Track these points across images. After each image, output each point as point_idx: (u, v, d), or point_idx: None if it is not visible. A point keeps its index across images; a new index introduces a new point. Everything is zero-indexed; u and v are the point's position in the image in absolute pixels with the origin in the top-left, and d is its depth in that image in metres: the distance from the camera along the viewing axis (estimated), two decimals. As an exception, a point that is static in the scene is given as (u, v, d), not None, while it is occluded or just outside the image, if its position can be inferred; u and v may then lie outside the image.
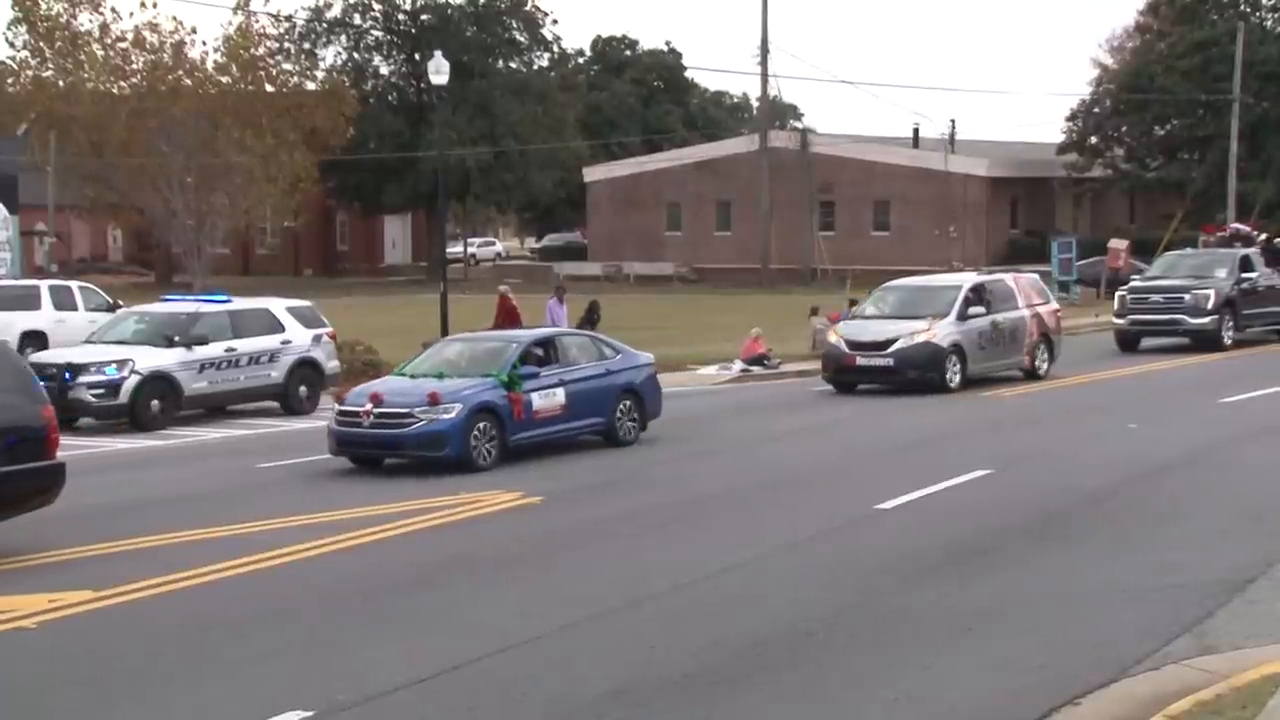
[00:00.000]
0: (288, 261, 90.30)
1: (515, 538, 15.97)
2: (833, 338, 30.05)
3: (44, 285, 37.42)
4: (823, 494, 18.46)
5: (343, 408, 20.94)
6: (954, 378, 28.99)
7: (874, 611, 12.42)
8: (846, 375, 29.54)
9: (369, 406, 20.46)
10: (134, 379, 25.93)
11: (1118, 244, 55.22)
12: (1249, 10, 75.19)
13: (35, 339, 33.85)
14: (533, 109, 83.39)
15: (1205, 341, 36.54)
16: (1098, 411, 25.95)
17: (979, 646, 11.39)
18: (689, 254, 79.92)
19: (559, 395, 21.71)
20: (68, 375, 25.70)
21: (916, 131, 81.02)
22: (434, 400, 20.22)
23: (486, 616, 12.54)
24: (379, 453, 20.75)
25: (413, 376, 21.73)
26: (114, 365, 25.97)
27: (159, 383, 26.24)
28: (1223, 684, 10.02)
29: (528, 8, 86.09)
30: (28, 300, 35.61)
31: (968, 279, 31.41)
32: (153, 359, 26.32)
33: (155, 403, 26.13)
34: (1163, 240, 60.48)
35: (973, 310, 29.75)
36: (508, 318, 35.14)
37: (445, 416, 20.13)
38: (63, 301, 35.88)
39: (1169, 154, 76.05)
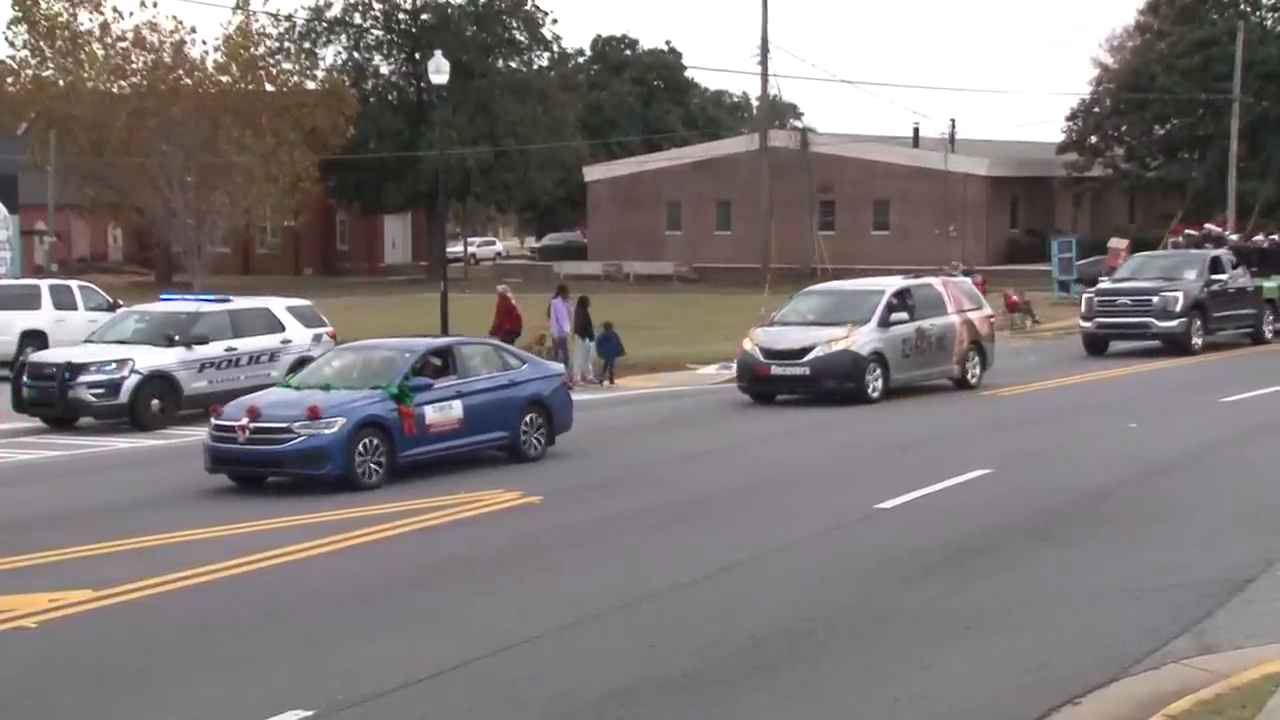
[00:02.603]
0: (288, 261, 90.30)
1: (514, 537, 15.97)
2: (748, 345, 28.60)
3: (44, 285, 37.45)
4: (822, 494, 18.47)
5: (218, 422, 19.57)
6: (875, 388, 27.61)
7: (874, 611, 12.42)
8: (761, 385, 28.17)
9: (245, 421, 19.13)
10: (134, 378, 25.93)
11: (1118, 243, 55.19)
12: (1249, 10, 75.14)
13: (35, 338, 33.89)
14: (533, 108, 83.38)
15: (1174, 345, 35.68)
16: (1097, 411, 25.96)
17: (979, 646, 11.39)
18: (689, 253, 79.90)
19: (456, 408, 20.42)
20: (68, 375, 25.71)
21: (916, 131, 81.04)
22: (314, 414, 18.95)
23: (486, 616, 12.54)
24: (256, 470, 19.46)
25: (298, 388, 20.45)
26: (114, 365, 25.95)
27: (159, 382, 26.23)
28: (1222, 683, 10.02)
29: (528, 7, 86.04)
30: (28, 300, 35.64)
31: (891, 284, 29.69)
32: (153, 358, 26.31)
33: (155, 402, 26.11)
34: (1163, 239, 60.46)
35: (895, 316, 28.30)
36: (507, 317, 35.15)
37: (326, 432, 18.88)
38: (63, 301, 35.89)
39: (1169, 153, 76.03)
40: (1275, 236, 43.67)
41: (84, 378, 25.74)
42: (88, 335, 29.12)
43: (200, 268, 60.14)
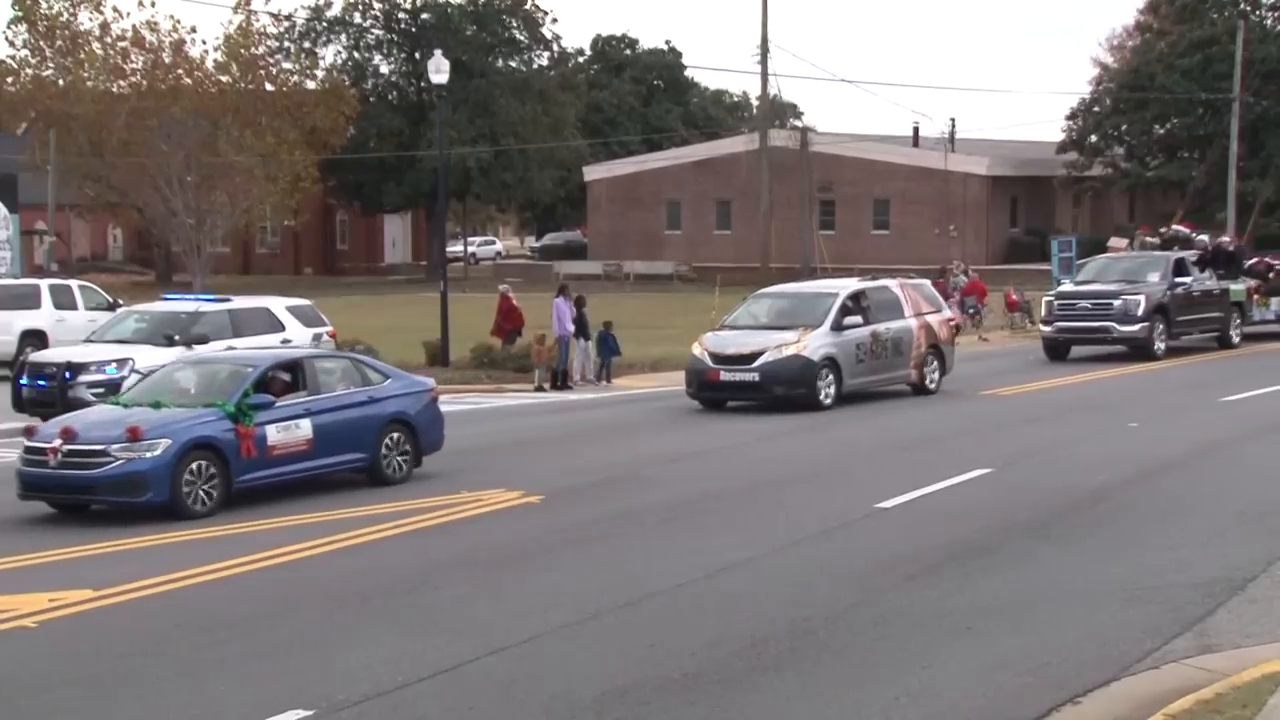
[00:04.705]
0: (288, 260, 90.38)
1: (515, 537, 15.96)
2: (697, 350, 27.72)
3: (44, 284, 37.41)
4: (822, 493, 18.46)
5: (29, 443, 17.79)
6: (827, 394, 26.78)
7: (874, 611, 12.42)
8: (710, 391, 27.28)
9: (58, 443, 17.34)
10: (134, 378, 25.86)
11: (1117, 243, 54.90)
12: (1249, 9, 75.14)
13: (35, 338, 33.88)
14: (533, 108, 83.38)
15: (1136, 350, 34.85)
16: (1097, 410, 25.96)
17: (979, 646, 11.39)
18: (689, 253, 79.93)
19: (303, 428, 18.64)
20: (68, 374, 25.73)
21: (916, 130, 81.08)
22: (134, 435, 17.15)
23: (486, 615, 12.54)
24: (71, 498, 17.65)
25: (125, 405, 18.59)
26: (114, 364, 25.97)
27: (159, 382, 26.19)
28: (1223, 683, 10.02)
29: (527, 7, 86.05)
30: (28, 299, 35.62)
31: (846, 286, 28.78)
32: (152, 358, 26.26)
33: (155, 402, 26.09)
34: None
35: (849, 320, 27.42)
36: (508, 317, 35.18)
37: (148, 455, 17.09)
38: (63, 300, 35.87)
39: (1169, 153, 76.06)
40: (1240, 240, 43.13)
41: (84, 377, 25.75)
42: (88, 335, 29.12)
43: (200, 268, 60.18)
